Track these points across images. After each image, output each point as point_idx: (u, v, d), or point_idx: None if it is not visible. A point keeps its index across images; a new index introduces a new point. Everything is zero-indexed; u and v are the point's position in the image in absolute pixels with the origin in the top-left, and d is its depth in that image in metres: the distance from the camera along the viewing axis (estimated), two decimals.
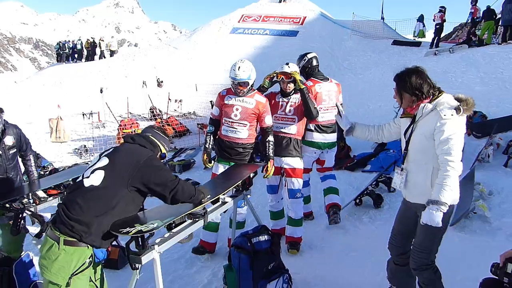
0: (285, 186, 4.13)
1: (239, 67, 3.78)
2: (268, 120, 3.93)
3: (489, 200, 4.70)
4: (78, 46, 25.74)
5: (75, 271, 2.21)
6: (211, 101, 10.51)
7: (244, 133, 3.90)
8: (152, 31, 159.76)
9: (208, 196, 2.82)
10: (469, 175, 5.08)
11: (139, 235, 2.20)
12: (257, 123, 3.97)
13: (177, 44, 22.27)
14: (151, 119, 13.28)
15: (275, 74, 4.03)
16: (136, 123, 11.71)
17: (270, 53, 17.19)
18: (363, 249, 3.94)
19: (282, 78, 3.99)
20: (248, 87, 3.84)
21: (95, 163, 2.41)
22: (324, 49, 17.33)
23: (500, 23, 14.16)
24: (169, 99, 14.36)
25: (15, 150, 3.89)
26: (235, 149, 3.91)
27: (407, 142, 2.62)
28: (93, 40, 25.60)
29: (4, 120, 3.81)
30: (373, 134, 3.03)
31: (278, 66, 4.39)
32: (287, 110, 4.06)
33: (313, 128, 4.31)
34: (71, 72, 21.23)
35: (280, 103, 4.10)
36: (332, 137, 4.43)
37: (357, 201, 5.05)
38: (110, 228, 2.26)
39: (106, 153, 2.48)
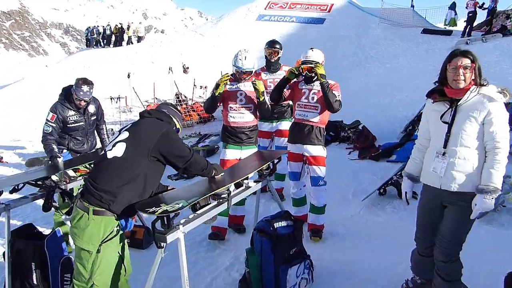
0: (307, 174, 4.12)
1: (245, 57, 3.95)
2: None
3: None
4: (107, 32, 26.18)
5: (104, 239, 2.35)
6: None
7: (250, 116, 4.10)
8: (179, 18, 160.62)
9: (222, 174, 2.95)
10: None
11: (164, 214, 2.25)
12: None
13: (203, 31, 22.33)
14: (176, 105, 13.42)
15: (300, 68, 3.98)
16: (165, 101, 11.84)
17: (297, 41, 16.94)
18: (386, 238, 3.92)
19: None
20: (250, 75, 4.03)
21: (116, 137, 2.55)
22: (351, 37, 17.02)
23: None
24: (195, 85, 14.45)
25: (95, 117, 4.62)
26: (245, 133, 4.09)
27: (450, 126, 2.51)
28: (121, 26, 25.96)
29: None
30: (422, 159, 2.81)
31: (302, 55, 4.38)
32: (310, 98, 4.01)
33: None
34: (99, 57, 21.64)
35: (303, 91, 4.07)
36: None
37: (381, 190, 4.99)
38: (136, 207, 2.36)
39: (126, 127, 2.63)
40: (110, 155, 2.45)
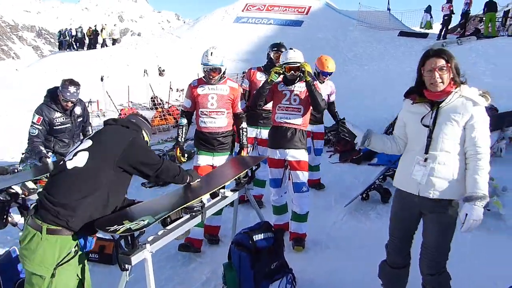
0: (289, 179, 3.91)
1: (211, 53, 3.74)
2: (241, 106, 4.01)
3: (503, 197, 4.46)
4: (79, 35, 25.45)
5: (60, 262, 2.06)
6: None
7: (223, 121, 3.88)
8: (156, 21, 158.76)
9: (198, 180, 2.76)
10: None
11: (127, 233, 1.99)
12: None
13: (180, 33, 21.97)
14: (152, 109, 13.04)
15: (281, 69, 3.79)
16: (137, 112, 11.48)
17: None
18: (370, 246, 3.71)
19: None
20: (220, 74, 3.81)
21: (77, 146, 2.30)
22: (329, 40, 17.05)
23: (510, 15, 13.83)
24: (171, 88, 14.10)
25: (81, 119, 4.56)
26: (217, 139, 3.87)
27: (431, 130, 2.34)
28: (95, 28, 25.30)
29: None
30: (390, 146, 2.61)
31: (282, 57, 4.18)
32: (292, 100, 3.81)
33: None
34: (72, 60, 20.97)
35: (284, 92, 3.86)
36: None
37: (364, 195, 4.82)
38: (96, 226, 2.08)
39: (88, 136, 2.41)
40: (70, 165, 2.19)
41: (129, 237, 2.05)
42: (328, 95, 5.28)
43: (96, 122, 12.54)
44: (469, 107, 2.28)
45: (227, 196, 2.96)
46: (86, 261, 2.29)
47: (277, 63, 4.53)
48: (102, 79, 13.14)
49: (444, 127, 2.30)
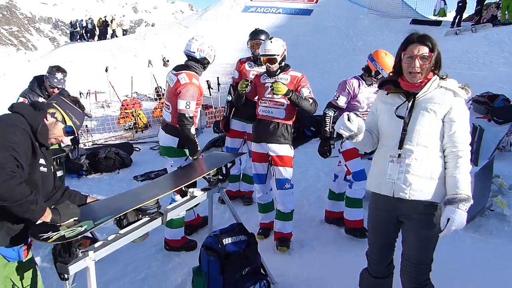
0: (273, 175, 3.67)
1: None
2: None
3: (509, 196, 4.13)
4: (90, 26, 25.53)
5: None
6: (217, 78, 9.96)
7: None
8: (169, 11, 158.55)
9: (74, 219, 2.00)
10: (487, 166, 4.51)
11: (60, 242, 1.78)
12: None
13: (188, 23, 21.70)
14: (155, 99, 12.88)
15: (248, 83, 3.62)
16: (139, 103, 11.32)
17: (283, 33, 16.38)
18: (359, 250, 3.46)
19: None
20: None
21: None
22: (339, 29, 16.57)
23: None
24: None
25: None
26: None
27: (406, 122, 2.06)
28: (105, 19, 25.30)
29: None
30: (372, 141, 2.27)
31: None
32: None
33: None
34: (82, 51, 21.00)
35: (266, 85, 3.60)
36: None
37: None
38: (29, 233, 1.87)
39: None
40: None
41: (66, 244, 1.85)
42: None
43: (100, 113, 12.53)
44: (448, 97, 2.02)
45: (195, 196, 2.72)
46: (23, 273, 2.06)
47: (256, 52, 4.29)
48: (106, 70, 13.00)
49: (421, 118, 2.04)
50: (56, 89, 4.07)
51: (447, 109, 2.01)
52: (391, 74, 2.25)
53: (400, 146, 2.07)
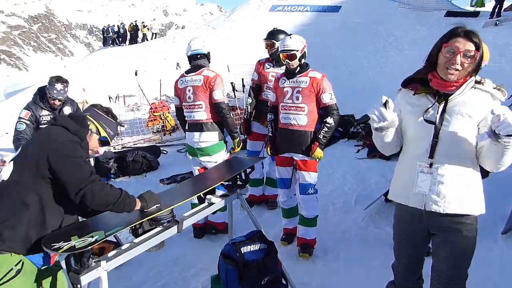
0: (297, 180, 3.55)
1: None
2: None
3: None
4: (121, 30, 26.20)
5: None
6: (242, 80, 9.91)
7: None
8: (199, 13, 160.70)
9: (157, 206, 2.23)
10: None
11: (70, 252, 1.75)
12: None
13: (216, 24, 21.81)
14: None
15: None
16: (168, 106, 11.45)
17: (310, 31, 16.15)
18: (387, 259, 3.29)
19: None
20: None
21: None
22: (368, 25, 16.11)
23: None
24: None
25: None
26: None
27: (438, 127, 1.84)
28: (136, 24, 25.89)
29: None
30: (396, 144, 2.05)
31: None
32: (294, 98, 3.42)
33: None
34: (114, 55, 21.59)
35: (285, 89, 3.46)
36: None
37: (388, 196, 4.33)
38: (42, 242, 1.86)
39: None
40: None
41: (77, 254, 1.82)
42: None
43: (130, 117, 12.78)
44: (485, 100, 1.81)
45: (213, 203, 2.65)
46: (51, 277, 2.08)
47: (271, 52, 4.25)
48: (136, 74, 13.24)
49: (454, 123, 1.83)
50: (57, 100, 4.01)
51: (484, 114, 1.79)
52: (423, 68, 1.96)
53: (431, 155, 1.87)
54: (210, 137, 3.73)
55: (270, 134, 3.70)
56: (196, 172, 3.95)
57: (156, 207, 2.23)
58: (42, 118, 4.07)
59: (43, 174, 1.89)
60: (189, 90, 3.75)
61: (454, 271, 1.94)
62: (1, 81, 38.67)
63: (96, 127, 2.18)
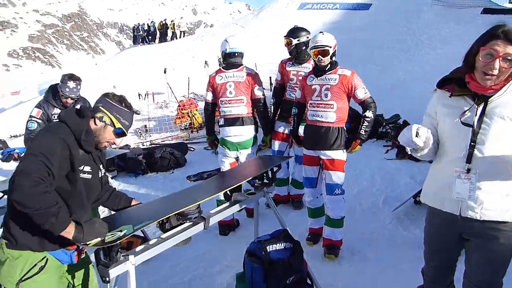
0: (324, 180, 3.52)
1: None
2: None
3: None
4: (151, 29, 26.69)
5: (23, 277, 1.89)
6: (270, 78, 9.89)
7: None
8: (227, 12, 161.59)
9: (99, 239, 1.83)
10: None
11: (98, 246, 1.79)
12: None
13: (244, 22, 21.87)
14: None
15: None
16: (195, 103, 11.58)
17: (340, 29, 15.90)
18: (416, 263, 3.21)
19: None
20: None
21: None
22: (399, 23, 15.74)
23: None
24: None
25: None
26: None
27: (476, 131, 1.76)
28: (165, 22, 26.31)
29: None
30: (433, 150, 1.98)
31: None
32: (322, 95, 3.39)
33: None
34: (144, 53, 22.03)
35: (313, 87, 3.44)
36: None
37: (417, 198, 4.21)
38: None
39: None
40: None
41: (106, 248, 1.86)
42: None
43: (159, 114, 13.01)
44: None
45: (239, 201, 2.65)
46: (78, 272, 2.13)
47: (289, 50, 4.22)
48: (165, 72, 13.46)
49: (494, 127, 1.74)
50: (70, 99, 3.89)
51: None
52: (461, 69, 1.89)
53: (469, 160, 1.79)
54: (249, 131, 3.94)
55: (292, 128, 3.85)
56: (227, 167, 4.01)
57: (99, 240, 1.84)
58: (54, 117, 3.98)
59: None
60: (230, 85, 3.85)
61: (489, 279, 1.87)
62: (35, 78, 40.28)
63: (110, 118, 2.03)
